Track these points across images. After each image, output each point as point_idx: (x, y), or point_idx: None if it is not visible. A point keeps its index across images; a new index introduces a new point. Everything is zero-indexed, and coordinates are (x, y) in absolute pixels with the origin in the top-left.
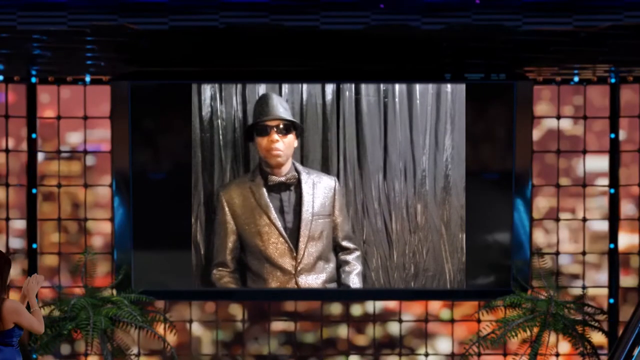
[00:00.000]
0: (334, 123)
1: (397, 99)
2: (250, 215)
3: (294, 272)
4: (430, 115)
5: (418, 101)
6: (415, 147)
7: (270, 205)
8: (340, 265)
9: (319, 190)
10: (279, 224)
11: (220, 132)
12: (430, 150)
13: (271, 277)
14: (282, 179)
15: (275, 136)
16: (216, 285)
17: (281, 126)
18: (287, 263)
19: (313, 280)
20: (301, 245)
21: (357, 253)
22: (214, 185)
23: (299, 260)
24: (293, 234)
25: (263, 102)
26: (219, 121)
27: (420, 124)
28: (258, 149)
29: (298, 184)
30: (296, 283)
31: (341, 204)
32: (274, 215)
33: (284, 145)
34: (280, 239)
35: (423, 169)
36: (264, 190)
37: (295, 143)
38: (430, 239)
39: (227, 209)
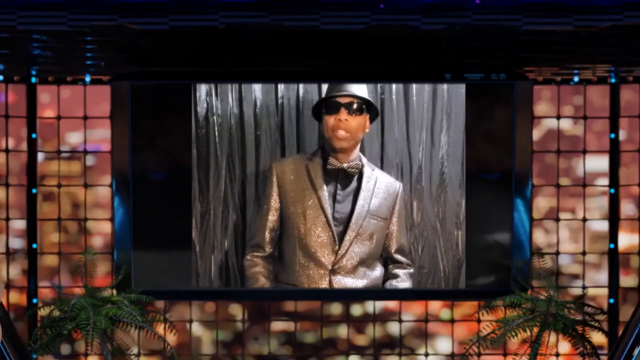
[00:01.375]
0: None
1: (393, 96)
2: (300, 194)
3: (330, 267)
4: (427, 111)
5: (414, 98)
6: (412, 144)
7: (325, 188)
8: (387, 277)
9: (379, 189)
10: (328, 210)
11: (216, 128)
12: (426, 147)
13: (303, 270)
14: (344, 165)
15: (344, 115)
16: (245, 272)
17: (354, 106)
18: (325, 256)
19: (350, 283)
20: (347, 240)
21: (410, 270)
22: (209, 181)
23: (339, 256)
24: (340, 227)
25: None
26: (215, 117)
27: (417, 121)
28: (324, 128)
29: (359, 177)
30: (330, 282)
31: (401, 212)
32: (325, 198)
33: (352, 127)
34: (326, 227)
35: (419, 166)
36: (321, 171)
37: (367, 128)
38: (426, 236)
39: (275, 181)
